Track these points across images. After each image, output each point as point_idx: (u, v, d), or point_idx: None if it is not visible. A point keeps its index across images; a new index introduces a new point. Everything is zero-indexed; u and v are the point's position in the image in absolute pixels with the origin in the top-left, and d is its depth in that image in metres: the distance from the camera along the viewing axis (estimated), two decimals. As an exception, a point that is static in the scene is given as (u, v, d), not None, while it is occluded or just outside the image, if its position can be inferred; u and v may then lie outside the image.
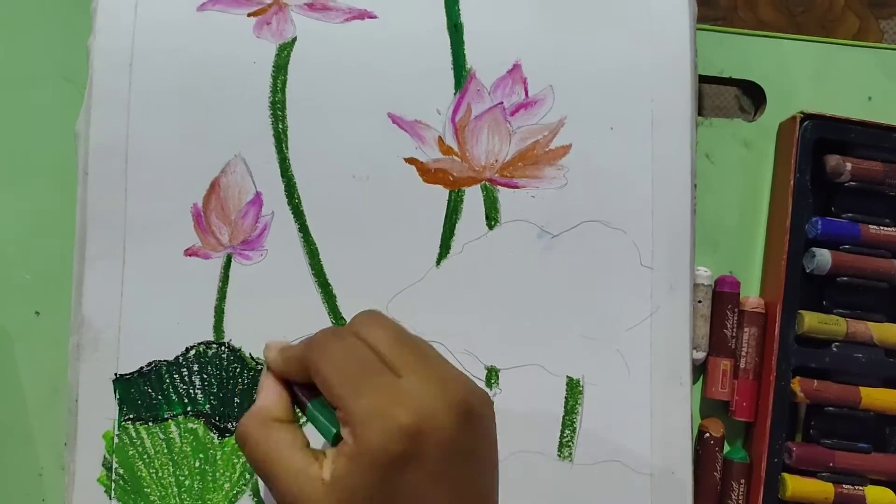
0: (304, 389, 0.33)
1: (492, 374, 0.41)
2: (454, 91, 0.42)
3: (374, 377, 0.30)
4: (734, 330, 0.44)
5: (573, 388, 0.41)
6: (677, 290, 0.42)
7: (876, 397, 0.43)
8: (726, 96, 0.53)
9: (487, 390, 0.41)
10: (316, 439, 0.32)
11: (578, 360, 0.42)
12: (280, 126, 0.41)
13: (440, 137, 0.42)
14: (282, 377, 0.33)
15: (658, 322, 0.42)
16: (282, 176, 0.41)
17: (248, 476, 0.40)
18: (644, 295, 0.42)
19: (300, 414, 0.33)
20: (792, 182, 0.44)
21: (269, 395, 0.33)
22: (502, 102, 0.42)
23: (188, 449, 0.40)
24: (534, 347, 0.41)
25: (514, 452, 0.41)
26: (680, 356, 0.42)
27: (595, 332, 0.42)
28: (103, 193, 0.40)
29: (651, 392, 0.41)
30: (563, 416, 0.41)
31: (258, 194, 0.41)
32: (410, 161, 0.42)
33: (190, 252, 0.41)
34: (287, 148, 0.41)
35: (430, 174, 0.42)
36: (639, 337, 0.42)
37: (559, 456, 0.41)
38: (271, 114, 0.41)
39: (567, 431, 0.41)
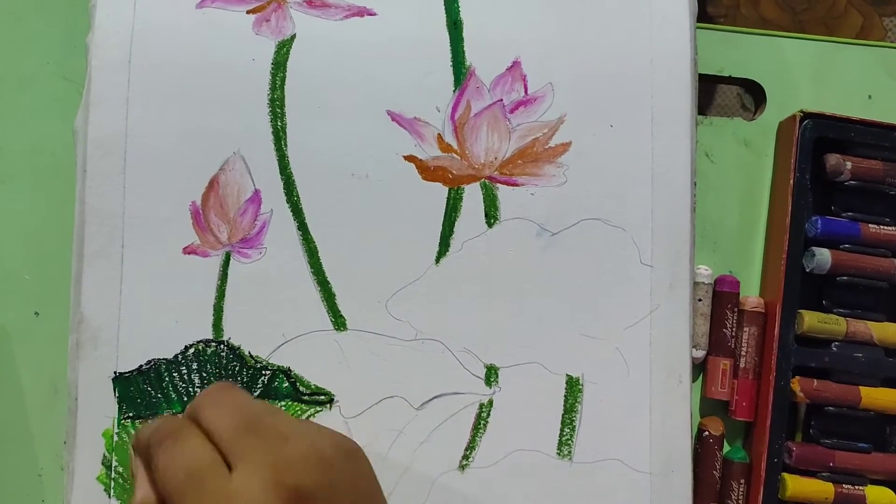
0: None
1: (491, 372, 0.41)
2: (453, 88, 0.42)
3: (203, 485, 0.30)
4: (734, 330, 0.44)
5: (572, 387, 0.41)
6: (677, 289, 0.42)
7: (876, 397, 0.43)
8: (727, 95, 0.52)
9: (487, 389, 0.41)
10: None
11: (578, 358, 0.41)
12: (279, 123, 0.41)
13: (439, 135, 0.42)
14: None
15: (658, 320, 0.42)
16: (281, 173, 0.41)
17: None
18: (644, 293, 0.42)
19: None
20: (791, 181, 0.44)
21: (143, 490, 0.33)
22: (502, 100, 0.42)
23: (186, 447, 0.40)
24: (533, 345, 0.41)
25: (512, 451, 0.41)
26: (680, 354, 0.42)
27: (595, 331, 0.42)
28: (102, 191, 0.40)
29: (650, 390, 0.41)
30: (563, 415, 0.41)
31: (257, 192, 0.41)
32: (409, 159, 0.41)
33: (189, 250, 0.41)
34: (286, 145, 0.41)
35: (429, 172, 0.42)
36: (638, 335, 0.42)
37: (558, 454, 0.41)
38: (270, 111, 0.41)
39: (566, 430, 0.41)
